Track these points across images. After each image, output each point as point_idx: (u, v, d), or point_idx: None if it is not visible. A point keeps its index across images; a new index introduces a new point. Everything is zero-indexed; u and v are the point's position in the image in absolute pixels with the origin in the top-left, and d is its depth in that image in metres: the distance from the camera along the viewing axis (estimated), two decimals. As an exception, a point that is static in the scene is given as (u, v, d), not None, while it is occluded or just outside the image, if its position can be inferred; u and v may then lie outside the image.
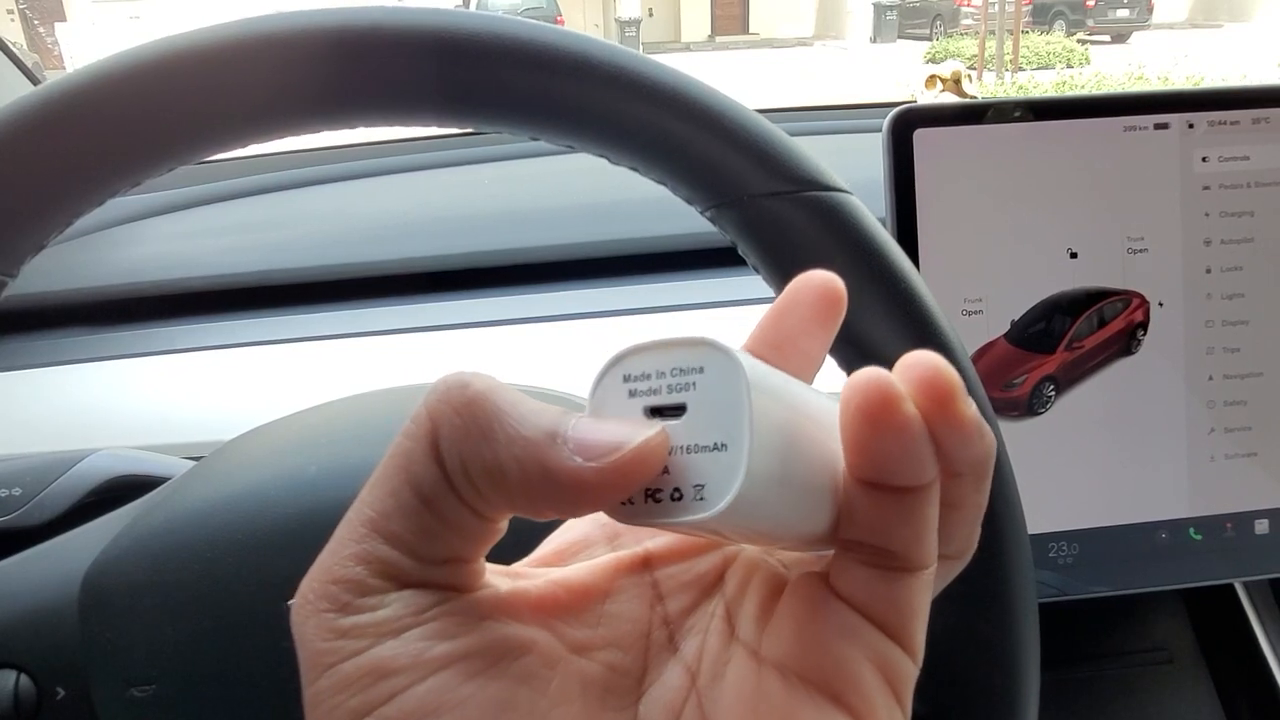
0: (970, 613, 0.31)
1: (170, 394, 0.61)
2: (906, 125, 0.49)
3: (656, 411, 0.19)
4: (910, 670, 0.20)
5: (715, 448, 0.18)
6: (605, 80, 0.28)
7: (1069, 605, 0.52)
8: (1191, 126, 0.50)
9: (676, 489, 0.18)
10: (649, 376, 0.19)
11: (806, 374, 0.22)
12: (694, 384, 0.18)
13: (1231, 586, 0.62)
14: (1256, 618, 0.62)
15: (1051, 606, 0.51)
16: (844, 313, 0.22)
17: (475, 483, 0.18)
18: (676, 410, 0.18)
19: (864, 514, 0.19)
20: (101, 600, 0.32)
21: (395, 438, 0.19)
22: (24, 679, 0.32)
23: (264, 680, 0.31)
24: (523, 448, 0.17)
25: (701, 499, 0.18)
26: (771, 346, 0.22)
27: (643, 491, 0.18)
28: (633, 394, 0.19)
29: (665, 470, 0.18)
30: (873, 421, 0.18)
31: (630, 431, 0.18)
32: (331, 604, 0.18)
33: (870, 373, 0.18)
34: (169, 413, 0.59)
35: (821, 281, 0.22)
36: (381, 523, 0.18)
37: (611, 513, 0.19)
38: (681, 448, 0.18)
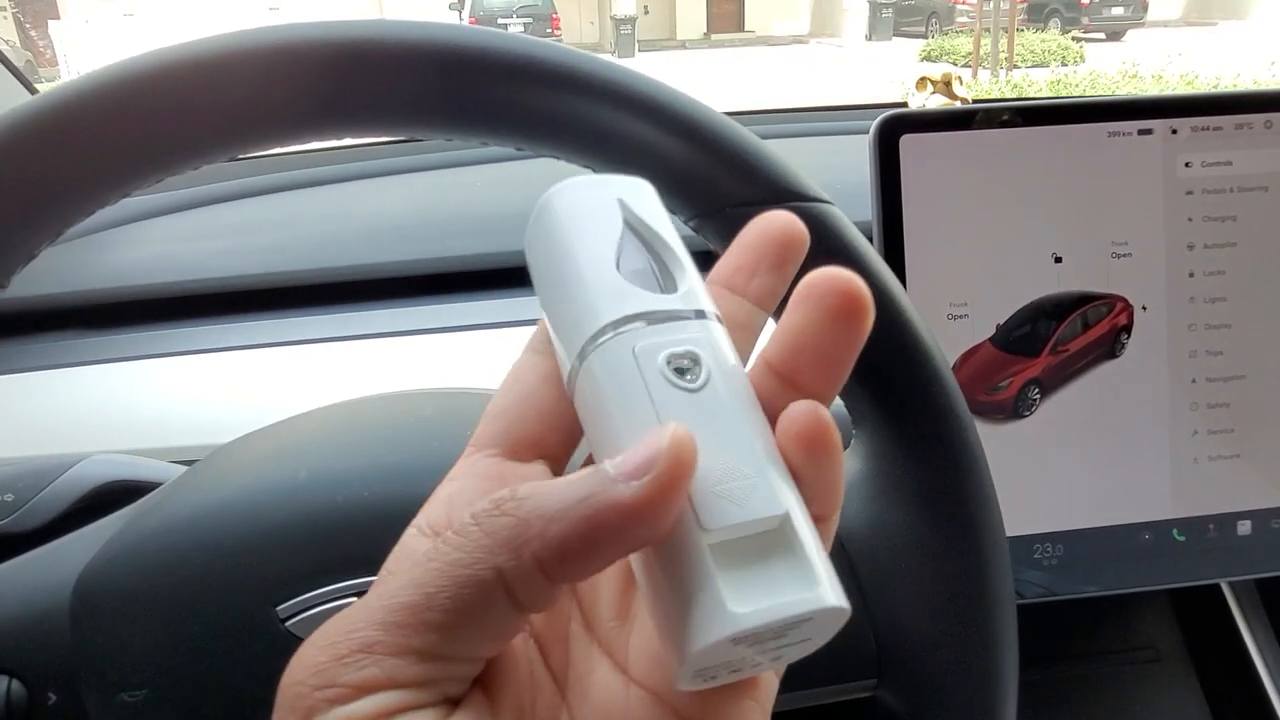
0: (949, 616, 0.31)
1: (163, 398, 0.61)
2: (893, 131, 0.49)
3: None
4: (775, 686, 0.21)
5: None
6: (588, 93, 0.28)
7: (1057, 604, 0.53)
8: (1175, 132, 0.51)
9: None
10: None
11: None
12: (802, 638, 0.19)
13: (1218, 586, 0.63)
14: (1242, 616, 0.63)
15: (1039, 606, 0.52)
16: (869, 314, 0.20)
17: (563, 577, 0.18)
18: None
19: None
20: (93, 606, 0.32)
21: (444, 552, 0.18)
22: (16, 684, 0.32)
23: (254, 686, 0.32)
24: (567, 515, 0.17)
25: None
26: (788, 365, 0.21)
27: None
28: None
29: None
30: (833, 454, 0.19)
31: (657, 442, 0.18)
32: (332, 698, 0.17)
33: (811, 407, 0.19)
34: (162, 416, 0.59)
35: (841, 282, 0.20)
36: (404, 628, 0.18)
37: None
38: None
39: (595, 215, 0.22)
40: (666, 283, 0.22)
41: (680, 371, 0.20)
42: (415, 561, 0.18)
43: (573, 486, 0.17)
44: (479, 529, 0.18)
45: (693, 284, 0.22)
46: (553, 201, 0.23)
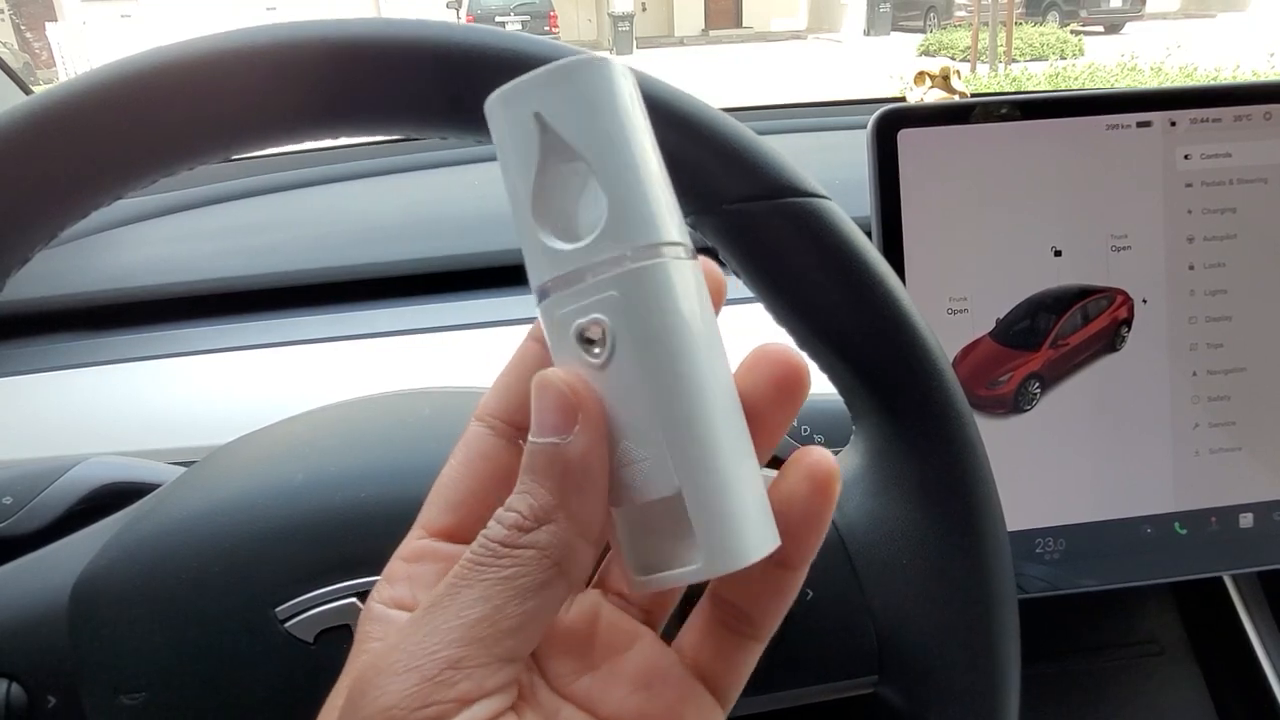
0: (950, 612, 0.31)
1: (160, 399, 0.61)
2: (891, 125, 0.49)
3: None
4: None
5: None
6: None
7: (1059, 599, 0.53)
8: (1174, 124, 0.50)
9: None
10: None
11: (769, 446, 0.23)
12: None
13: (1220, 579, 0.63)
14: (1245, 610, 0.63)
15: (1041, 600, 0.52)
16: (806, 393, 0.22)
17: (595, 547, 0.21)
18: None
19: (753, 579, 0.22)
20: (91, 609, 0.32)
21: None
22: (15, 687, 0.32)
23: (252, 687, 0.32)
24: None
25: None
26: None
27: None
28: None
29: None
30: (820, 506, 0.21)
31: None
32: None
33: (818, 453, 0.21)
34: (159, 418, 0.59)
35: (781, 357, 0.22)
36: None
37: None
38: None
39: (515, 140, 0.20)
40: (590, 220, 0.20)
41: (587, 344, 0.20)
42: (464, 581, 0.20)
43: (543, 471, 0.20)
44: (522, 548, 0.20)
45: (617, 212, 0.20)
46: (489, 121, 0.21)
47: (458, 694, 0.19)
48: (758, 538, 0.20)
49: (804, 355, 0.23)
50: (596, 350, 0.20)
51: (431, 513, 0.23)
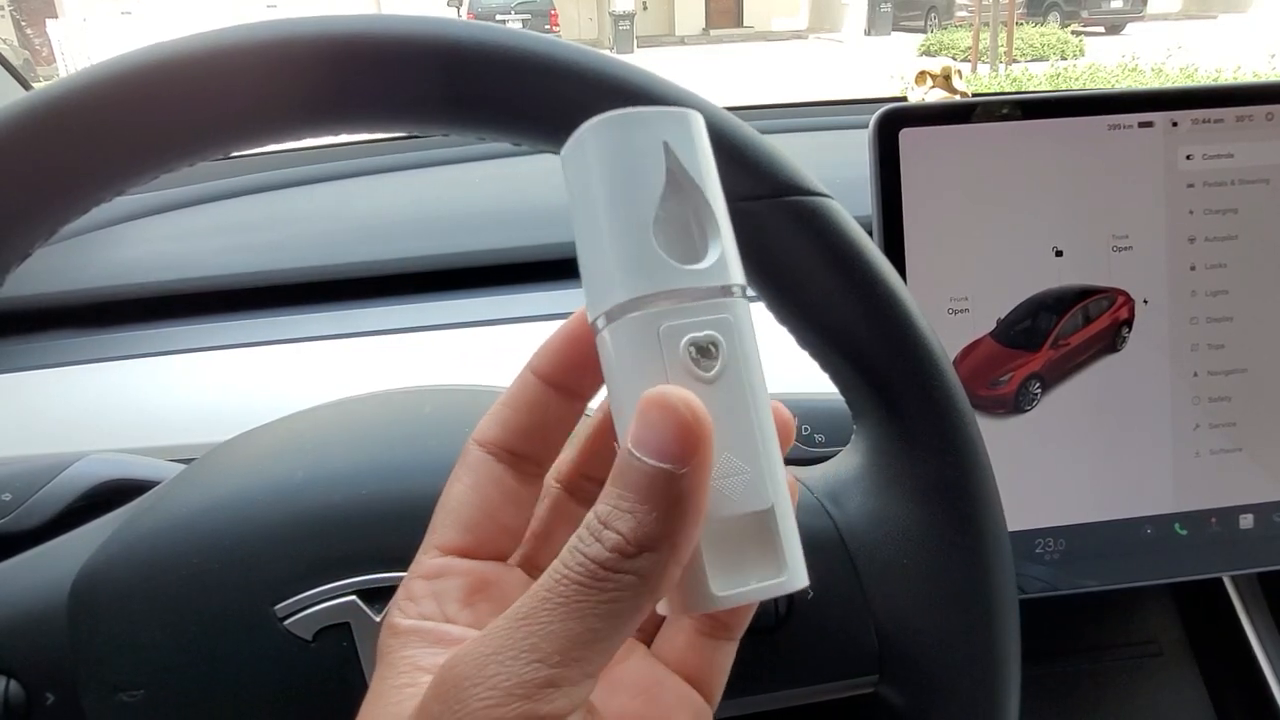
0: (950, 612, 0.31)
1: (161, 396, 0.61)
2: (892, 124, 0.49)
3: None
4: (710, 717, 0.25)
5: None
6: (586, 87, 0.28)
7: (1059, 599, 0.52)
8: (1175, 125, 0.50)
9: None
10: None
11: None
12: None
13: (1220, 580, 0.63)
14: (1244, 611, 0.63)
15: (1041, 601, 0.52)
16: (790, 440, 0.23)
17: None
18: None
19: None
20: (90, 606, 0.32)
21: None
22: (13, 684, 0.32)
23: (251, 684, 0.32)
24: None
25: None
26: None
27: None
28: None
29: None
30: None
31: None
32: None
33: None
34: (159, 415, 0.59)
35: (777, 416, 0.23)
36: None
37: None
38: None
39: (637, 161, 0.21)
40: (700, 245, 0.22)
41: (699, 360, 0.21)
42: (561, 599, 0.20)
43: (652, 498, 0.20)
44: (625, 573, 0.20)
45: (725, 247, 0.22)
46: (592, 138, 0.22)
47: (554, 710, 0.19)
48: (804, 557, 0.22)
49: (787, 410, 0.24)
50: (709, 364, 0.21)
51: (446, 534, 0.24)
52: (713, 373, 0.21)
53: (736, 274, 0.22)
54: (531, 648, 0.19)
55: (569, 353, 0.24)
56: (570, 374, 0.24)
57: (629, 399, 0.21)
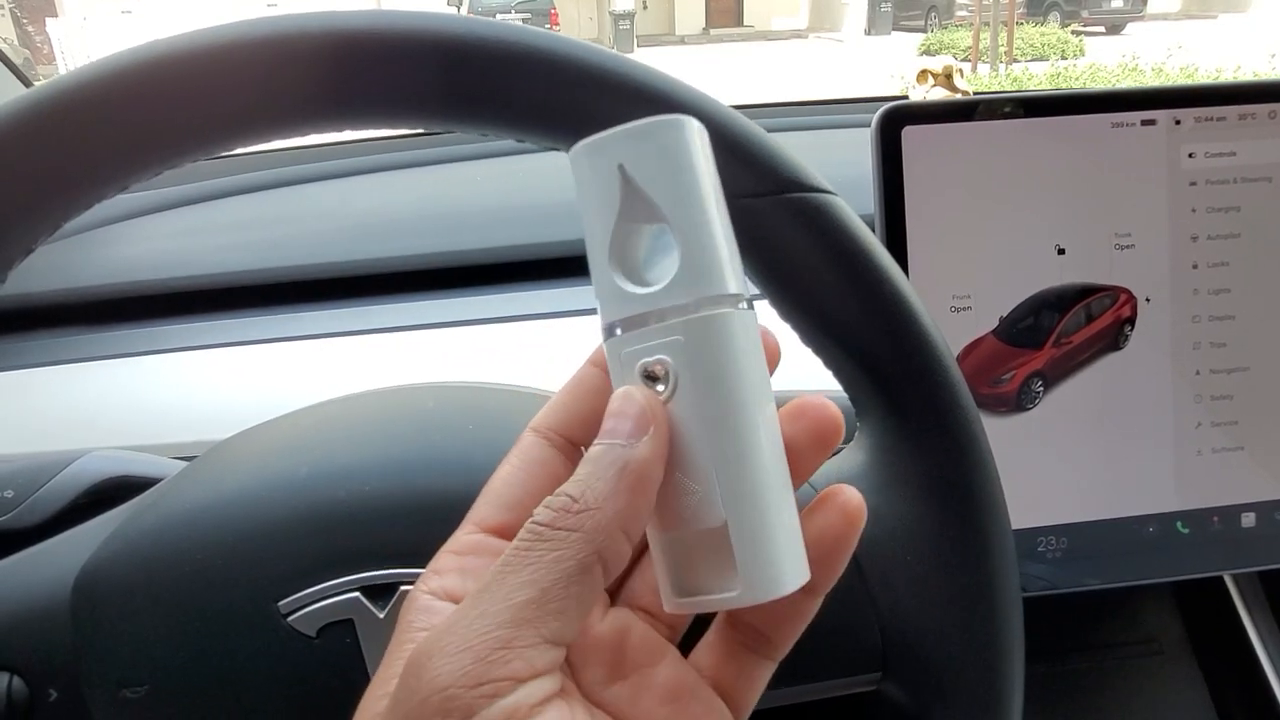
0: (954, 609, 0.31)
1: (163, 393, 0.61)
2: (895, 123, 0.49)
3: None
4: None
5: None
6: (589, 84, 0.28)
7: (1060, 597, 0.52)
8: (1178, 123, 0.50)
9: None
10: None
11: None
12: None
13: (1221, 578, 0.63)
14: (1245, 609, 0.63)
15: (1043, 599, 0.52)
16: (840, 439, 0.24)
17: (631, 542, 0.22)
18: None
19: (779, 604, 0.23)
20: (93, 602, 0.32)
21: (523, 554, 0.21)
22: (17, 681, 0.32)
23: (254, 681, 0.32)
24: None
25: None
26: None
27: None
28: None
29: None
30: (850, 537, 0.23)
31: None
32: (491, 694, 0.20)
33: (849, 491, 0.23)
34: (162, 412, 0.59)
35: (822, 413, 0.24)
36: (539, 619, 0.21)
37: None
38: None
39: (598, 188, 0.22)
40: (662, 266, 0.22)
41: (651, 380, 0.22)
42: (511, 567, 0.21)
43: (604, 466, 0.21)
44: (568, 529, 0.21)
45: (691, 262, 0.21)
46: (574, 169, 0.23)
47: (509, 672, 0.19)
48: (791, 571, 0.22)
49: (837, 407, 0.24)
50: (659, 388, 0.22)
51: (486, 510, 0.25)
52: (663, 396, 0.22)
53: (705, 287, 0.22)
54: (481, 614, 0.20)
55: None
56: None
57: None
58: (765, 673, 0.25)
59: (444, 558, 0.24)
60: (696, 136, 0.22)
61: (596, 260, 0.22)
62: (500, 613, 0.20)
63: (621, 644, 0.25)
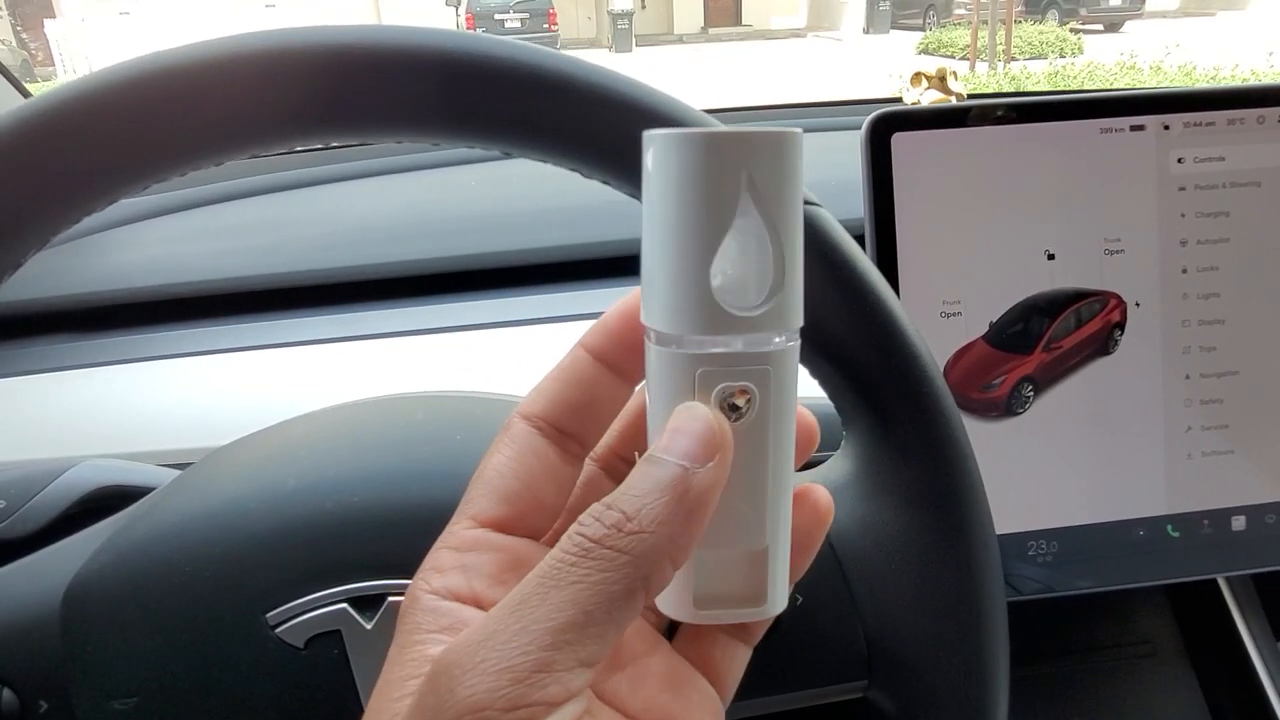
0: (939, 617, 0.31)
1: (158, 400, 0.61)
2: (885, 128, 0.49)
3: None
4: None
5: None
6: (571, 97, 0.28)
7: (1052, 600, 0.53)
8: (1167, 128, 0.51)
9: None
10: None
11: None
12: None
13: (1214, 580, 0.63)
14: (1238, 611, 0.63)
15: (1035, 602, 0.52)
16: (813, 447, 0.25)
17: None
18: None
19: None
20: (83, 614, 0.32)
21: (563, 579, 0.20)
22: (7, 692, 0.32)
23: (242, 692, 0.32)
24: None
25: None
26: None
27: None
28: None
29: None
30: (818, 535, 0.25)
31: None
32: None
33: (819, 490, 0.24)
34: (157, 419, 0.59)
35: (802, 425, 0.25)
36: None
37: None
38: None
39: (708, 189, 0.20)
40: (760, 287, 0.21)
41: (732, 408, 0.21)
42: (554, 581, 0.20)
43: (663, 487, 0.20)
44: (616, 550, 0.20)
45: (788, 292, 0.21)
46: (667, 156, 0.21)
47: (546, 696, 0.19)
48: (790, 584, 0.24)
49: (812, 416, 0.25)
50: (737, 414, 0.21)
51: (482, 503, 0.24)
52: (740, 423, 0.21)
53: (794, 319, 0.21)
54: (521, 630, 0.19)
55: (623, 332, 0.24)
56: (623, 353, 0.24)
57: (661, 413, 0.22)
58: (745, 657, 0.26)
59: (443, 554, 0.23)
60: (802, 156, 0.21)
61: (685, 266, 0.21)
62: (542, 634, 0.19)
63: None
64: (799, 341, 0.22)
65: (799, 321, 0.22)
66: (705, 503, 0.21)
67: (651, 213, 0.21)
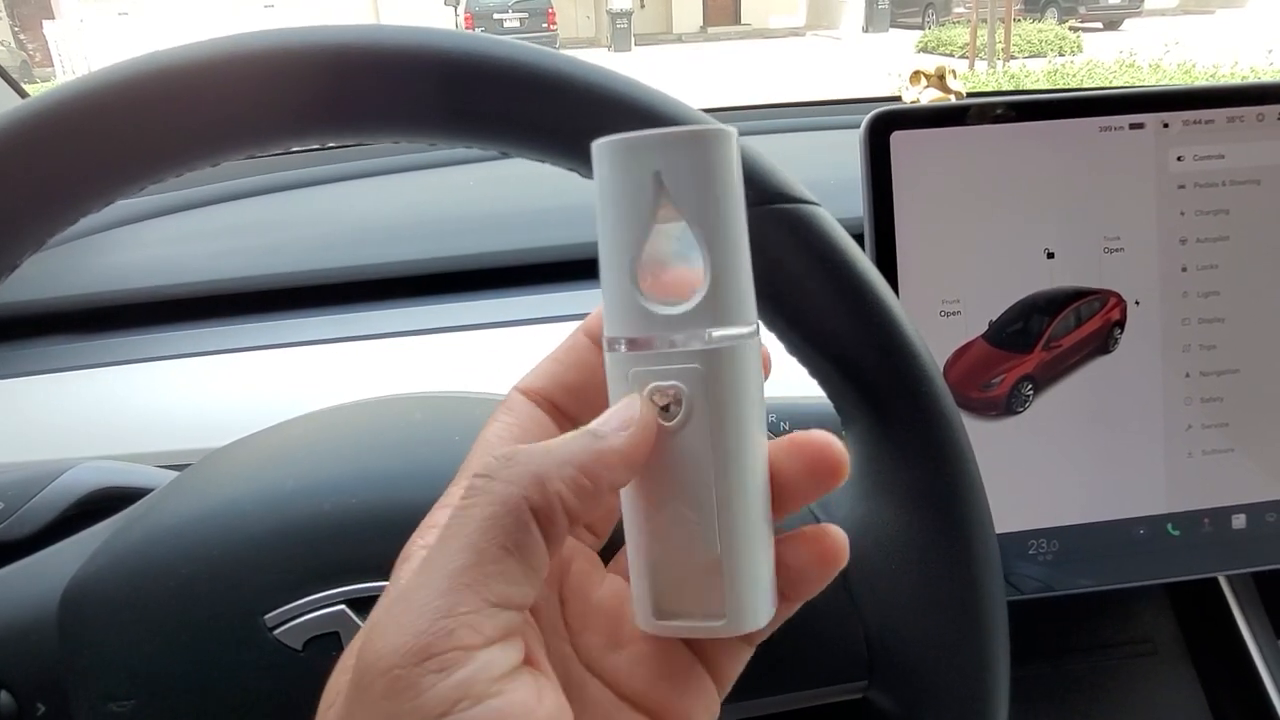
0: (939, 617, 0.31)
1: (157, 401, 0.61)
2: (883, 127, 0.49)
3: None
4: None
5: None
6: (569, 97, 0.28)
7: (1053, 599, 0.53)
8: (1167, 126, 0.50)
9: None
10: None
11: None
12: None
13: (1215, 579, 0.63)
14: (1239, 609, 0.63)
15: (1035, 601, 0.52)
16: (843, 477, 0.23)
17: (571, 511, 0.20)
18: None
19: None
20: (80, 616, 0.32)
21: (462, 514, 0.20)
22: (5, 694, 0.32)
23: (240, 694, 0.32)
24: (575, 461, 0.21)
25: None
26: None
27: None
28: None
29: None
30: (827, 576, 0.23)
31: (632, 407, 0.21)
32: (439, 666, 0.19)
33: (836, 533, 0.23)
34: (155, 421, 0.59)
35: (821, 452, 0.23)
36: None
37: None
38: None
39: (626, 192, 0.21)
40: (685, 284, 0.21)
41: (663, 408, 0.21)
42: (449, 531, 0.20)
43: (575, 439, 0.21)
44: (496, 480, 0.20)
45: (719, 287, 0.21)
46: (596, 162, 0.21)
47: (455, 642, 0.18)
48: (766, 605, 0.22)
49: (841, 445, 0.23)
50: (669, 415, 0.21)
51: (480, 467, 0.24)
52: (673, 422, 0.21)
53: (729, 316, 0.21)
54: (424, 584, 0.19)
55: None
56: None
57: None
58: (746, 654, 0.25)
59: (439, 513, 0.24)
60: (736, 152, 0.21)
61: (613, 269, 0.21)
62: (440, 580, 0.19)
63: (620, 611, 0.24)
64: (749, 341, 0.21)
65: (742, 320, 0.21)
66: (603, 460, 0.20)
67: (597, 219, 0.21)
